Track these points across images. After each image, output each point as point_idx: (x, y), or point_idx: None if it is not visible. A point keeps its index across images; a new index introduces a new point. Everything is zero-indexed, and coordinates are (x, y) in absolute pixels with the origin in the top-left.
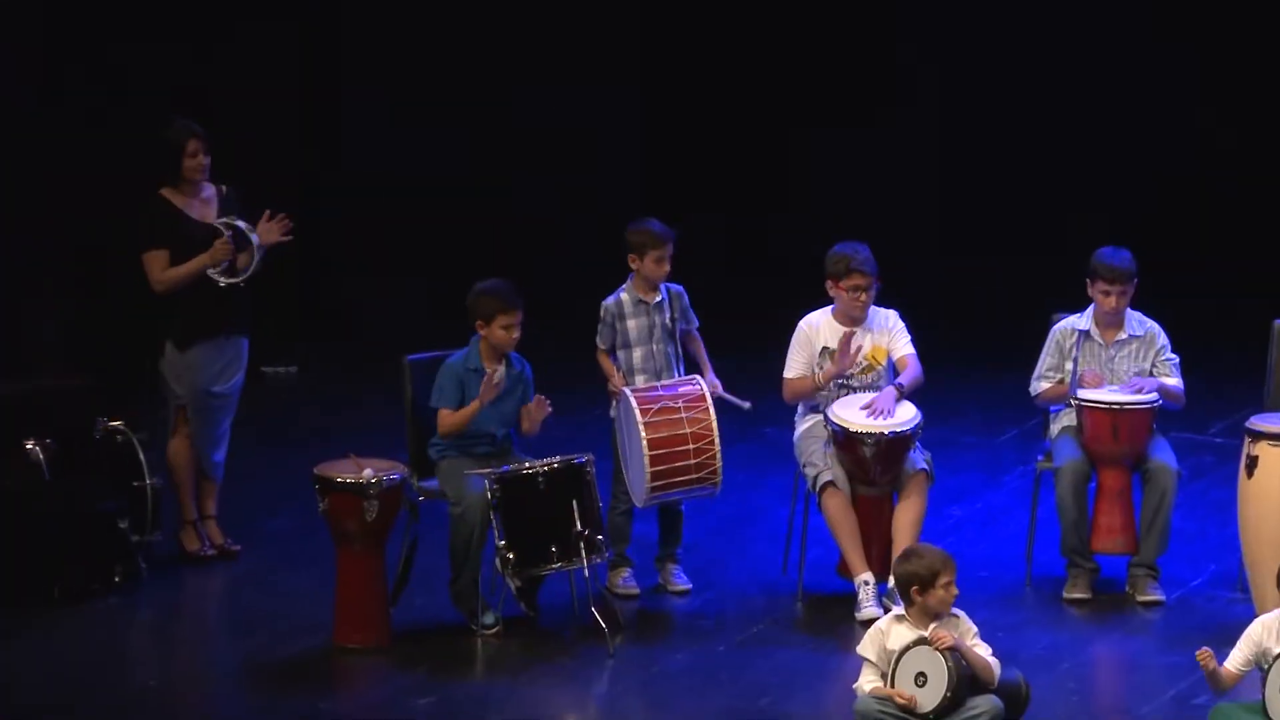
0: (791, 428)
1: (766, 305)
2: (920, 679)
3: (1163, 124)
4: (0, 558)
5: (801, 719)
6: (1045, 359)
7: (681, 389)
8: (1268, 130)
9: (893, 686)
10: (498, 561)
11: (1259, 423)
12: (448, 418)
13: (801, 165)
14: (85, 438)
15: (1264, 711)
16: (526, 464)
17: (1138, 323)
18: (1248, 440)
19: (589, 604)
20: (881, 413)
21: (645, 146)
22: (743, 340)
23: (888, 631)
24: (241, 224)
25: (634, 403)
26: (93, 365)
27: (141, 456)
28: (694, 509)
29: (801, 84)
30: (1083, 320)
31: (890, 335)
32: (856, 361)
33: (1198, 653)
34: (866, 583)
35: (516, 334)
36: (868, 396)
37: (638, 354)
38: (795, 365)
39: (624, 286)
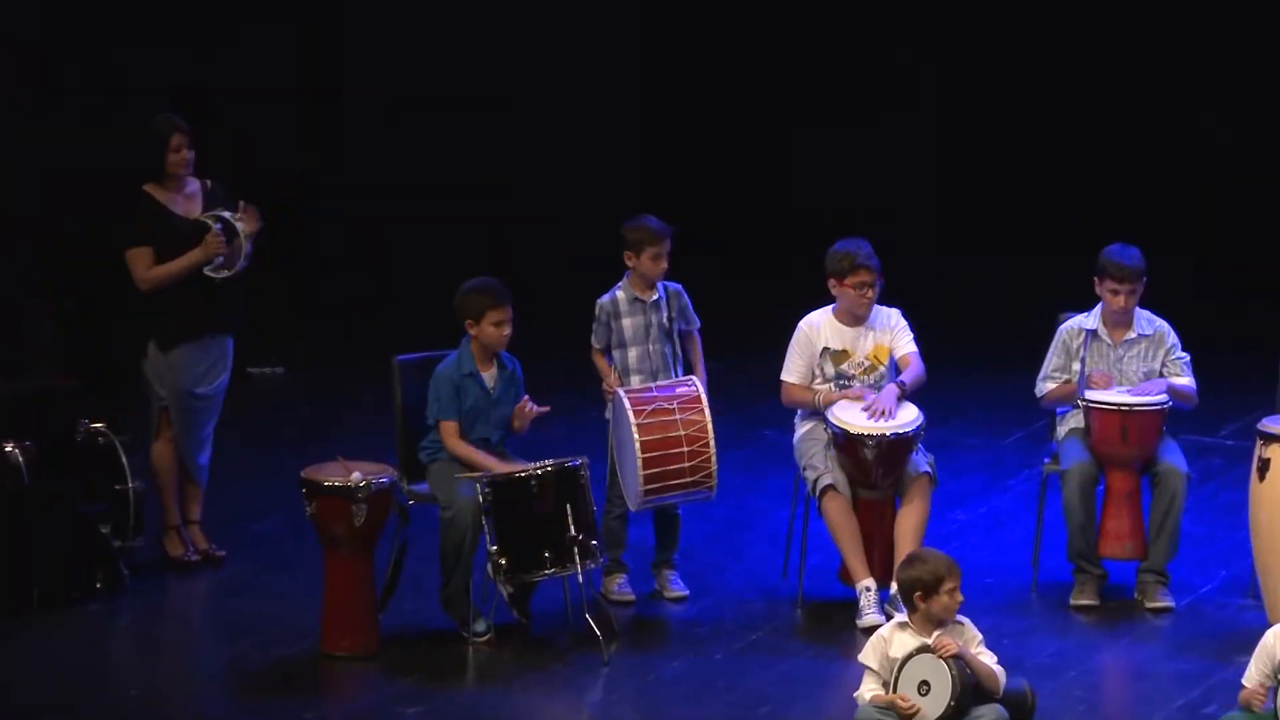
0: (791, 430)
1: (766, 305)
2: (924, 687)
3: (1163, 124)
4: None
5: None
6: (1051, 359)
7: (678, 390)
8: (1268, 130)
9: (895, 694)
10: (489, 567)
11: (1271, 425)
12: (460, 444)
13: (801, 165)
14: (66, 440)
15: None
16: (520, 467)
17: (1146, 321)
18: (1259, 443)
19: (583, 611)
20: (882, 412)
21: (645, 146)
22: (742, 340)
23: (890, 639)
24: (228, 215)
25: (627, 404)
26: (75, 366)
27: (124, 459)
28: (691, 513)
29: (801, 84)
30: (1090, 319)
31: (893, 334)
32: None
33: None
34: (868, 589)
35: (508, 331)
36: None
37: (633, 354)
38: (795, 368)
39: (620, 284)
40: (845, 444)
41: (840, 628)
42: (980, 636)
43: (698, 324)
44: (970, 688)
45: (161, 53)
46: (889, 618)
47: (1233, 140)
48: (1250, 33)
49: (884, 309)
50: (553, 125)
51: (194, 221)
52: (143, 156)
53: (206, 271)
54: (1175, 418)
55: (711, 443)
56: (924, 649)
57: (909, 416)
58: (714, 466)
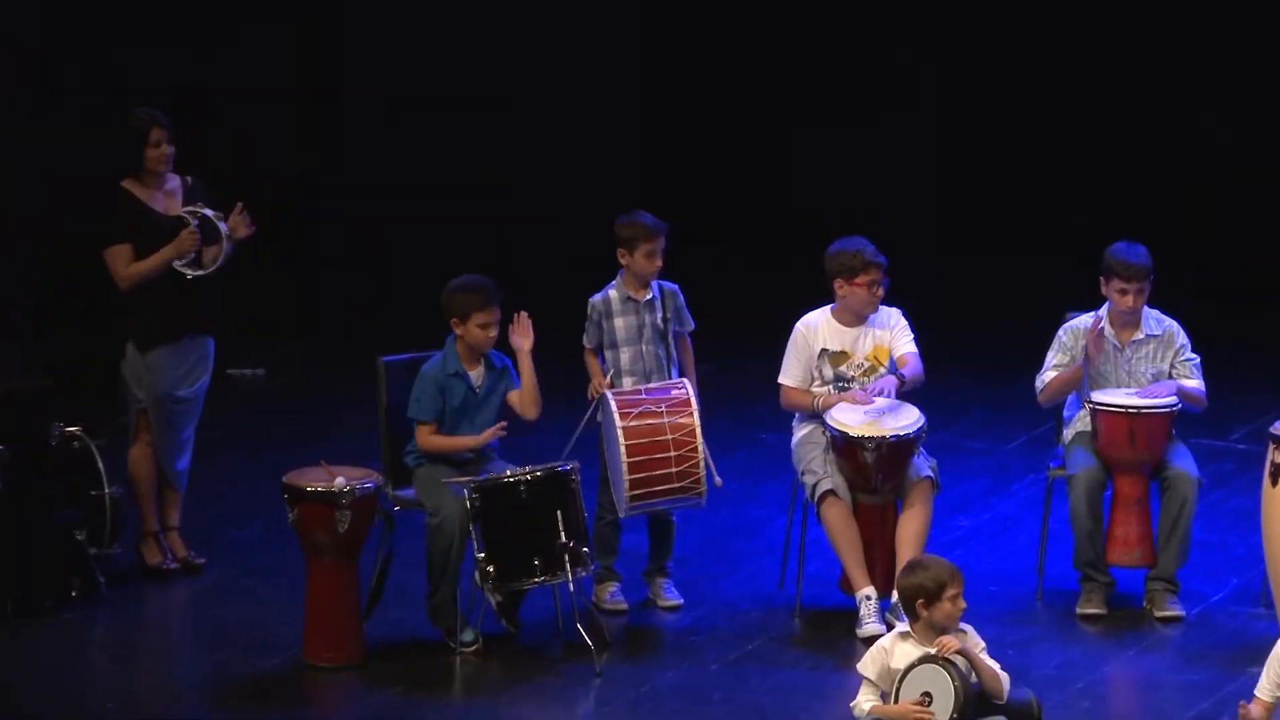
0: (788, 433)
1: (766, 305)
2: (925, 699)
3: (1163, 124)
4: None
5: None
6: (1054, 356)
7: (671, 392)
8: (1268, 130)
9: (896, 704)
10: (477, 575)
11: None
12: (431, 438)
13: (801, 165)
14: (41, 444)
15: None
16: (508, 472)
17: (1155, 321)
18: (1272, 447)
19: (574, 620)
20: (878, 392)
21: (645, 146)
22: (742, 340)
23: (891, 650)
24: (209, 212)
25: (613, 406)
26: (50, 368)
27: (100, 464)
28: (685, 519)
29: (801, 84)
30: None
31: (892, 334)
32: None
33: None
34: (869, 598)
35: (494, 333)
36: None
37: (626, 355)
38: (792, 371)
39: (613, 283)
40: (844, 447)
41: (839, 638)
42: (983, 644)
43: (692, 326)
44: (973, 698)
45: (161, 53)
46: (890, 627)
47: (1233, 140)
48: (1250, 33)
49: (884, 308)
50: (553, 125)
51: (174, 218)
52: (121, 152)
53: (177, 266)
54: (1185, 421)
55: (700, 447)
56: (925, 659)
57: (910, 418)
58: (703, 473)
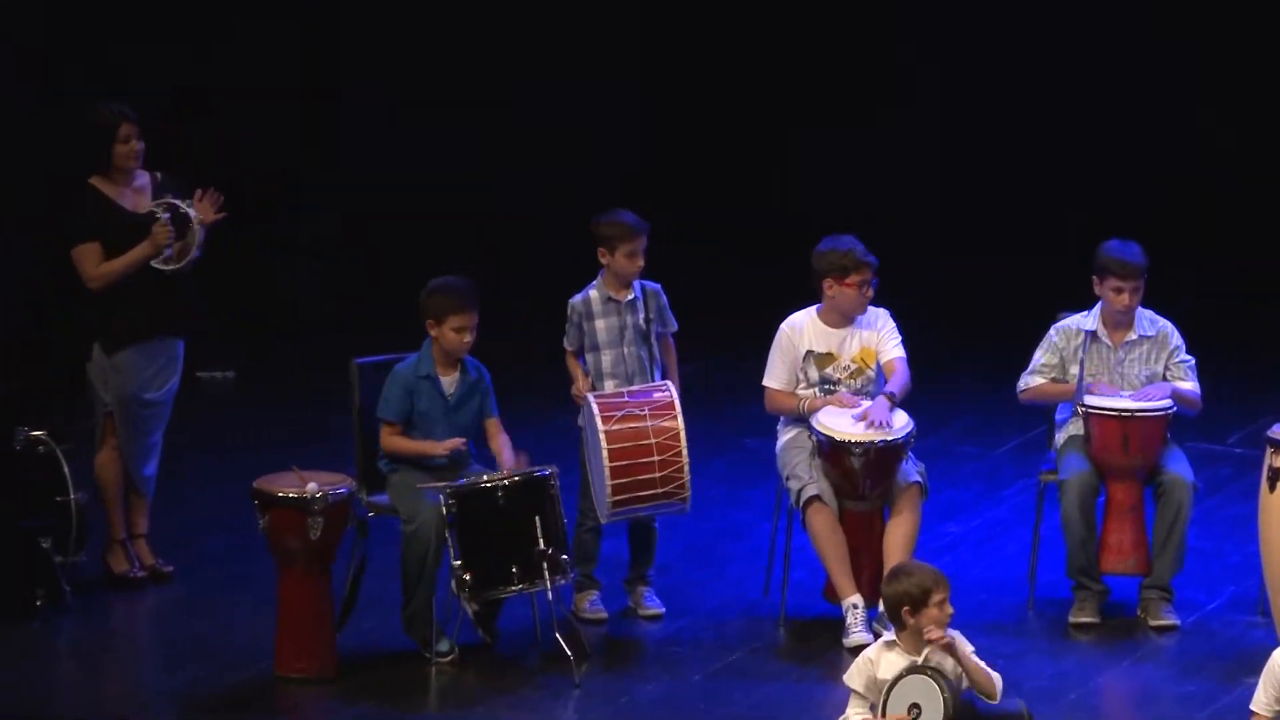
0: (773, 437)
1: (765, 305)
2: (914, 710)
3: (1163, 124)
4: None
5: None
6: (1042, 355)
7: (653, 395)
8: (1268, 130)
9: (884, 718)
10: (453, 583)
11: None
12: (391, 438)
13: (801, 165)
14: (4, 449)
15: None
16: (485, 477)
17: (1149, 322)
18: (1269, 451)
19: (553, 629)
20: (876, 424)
21: (645, 146)
22: (741, 340)
23: (877, 660)
24: (178, 202)
25: (596, 409)
26: (14, 370)
27: (65, 469)
28: (668, 526)
29: (801, 84)
30: (1089, 320)
31: (880, 336)
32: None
33: None
34: (855, 606)
35: (469, 339)
36: (855, 404)
37: (607, 357)
38: (777, 373)
39: (593, 283)
40: (831, 452)
41: (825, 648)
42: (972, 648)
43: (674, 327)
44: (965, 710)
45: (161, 53)
46: (877, 637)
47: (1233, 140)
48: (1250, 33)
49: (871, 308)
50: (553, 125)
51: (144, 215)
52: (88, 148)
53: (154, 264)
54: (1180, 425)
55: (684, 452)
56: (912, 670)
57: (899, 423)
58: (687, 477)
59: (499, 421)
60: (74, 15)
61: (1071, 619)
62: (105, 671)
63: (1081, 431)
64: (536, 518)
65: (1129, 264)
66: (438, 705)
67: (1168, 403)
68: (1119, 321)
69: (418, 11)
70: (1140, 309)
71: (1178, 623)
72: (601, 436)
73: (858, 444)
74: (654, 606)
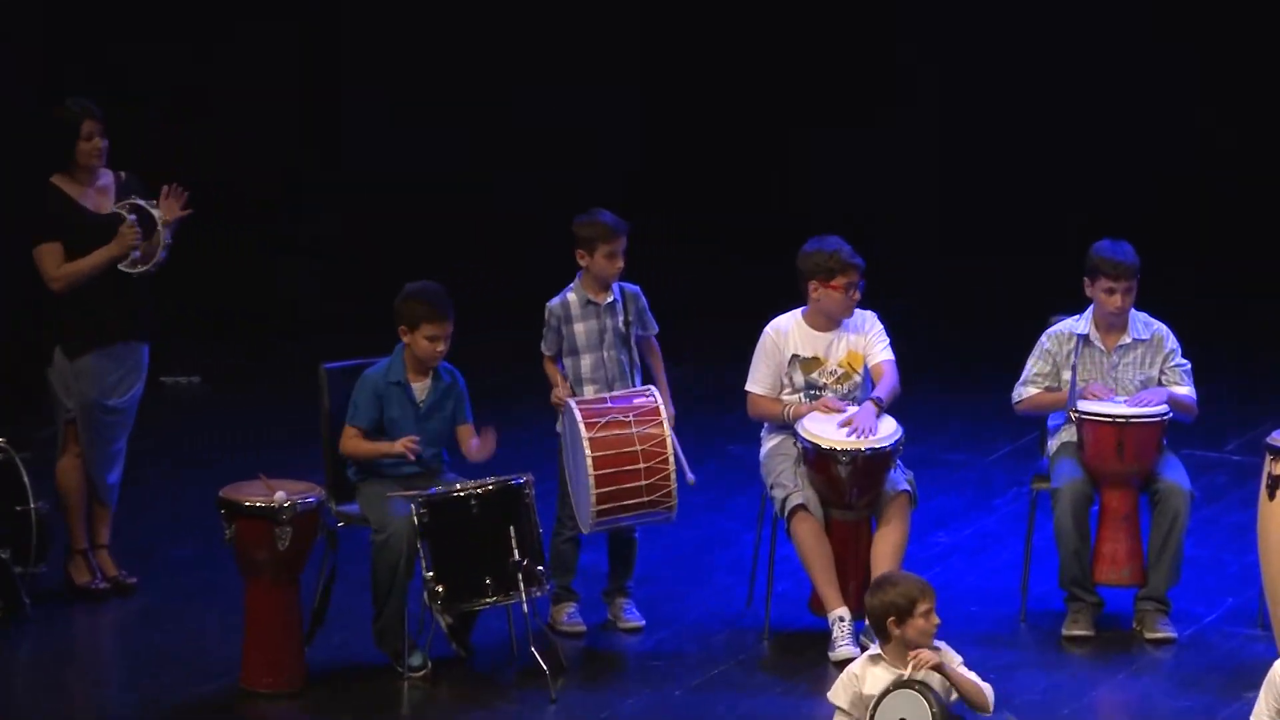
0: (757, 444)
1: (765, 305)
2: None
3: (1163, 124)
4: None
5: None
6: (1034, 363)
7: (634, 400)
8: (1268, 130)
9: None
10: (426, 595)
11: None
12: (352, 441)
13: (801, 165)
14: None
15: None
16: (458, 486)
17: (1143, 325)
18: (1269, 458)
19: (529, 643)
20: (862, 432)
21: (645, 146)
22: (739, 340)
23: (863, 675)
24: (142, 202)
25: (579, 415)
26: None
27: (25, 478)
28: (648, 536)
29: (801, 84)
30: (1081, 323)
31: (867, 340)
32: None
33: None
34: (842, 619)
35: (442, 348)
36: (843, 410)
37: (586, 361)
38: (761, 378)
39: (571, 286)
40: (816, 460)
41: (811, 662)
42: (960, 660)
43: (655, 329)
44: None
45: (161, 53)
46: (864, 650)
47: (1233, 140)
48: (1250, 33)
49: (859, 311)
50: (553, 125)
51: (107, 216)
52: (50, 145)
53: (122, 267)
54: (1177, 431)
55: (671, 459)
56: (900, 684)
57: (886, 430)
58: (674, 485)
59: (472, 427)
60: (74, 15)
61: (1065, 632)
62: (66, 686)
63: (1075, 438)
64: (511, 527)
65: (1120, 264)
66: None
67: (1163, 408)
68: (1112, 324)
69: (418, 11)
70: (1134, 311)
71: (1174, 635)
72: (585, 444)
73: (844, 451)
74: (634, 619)
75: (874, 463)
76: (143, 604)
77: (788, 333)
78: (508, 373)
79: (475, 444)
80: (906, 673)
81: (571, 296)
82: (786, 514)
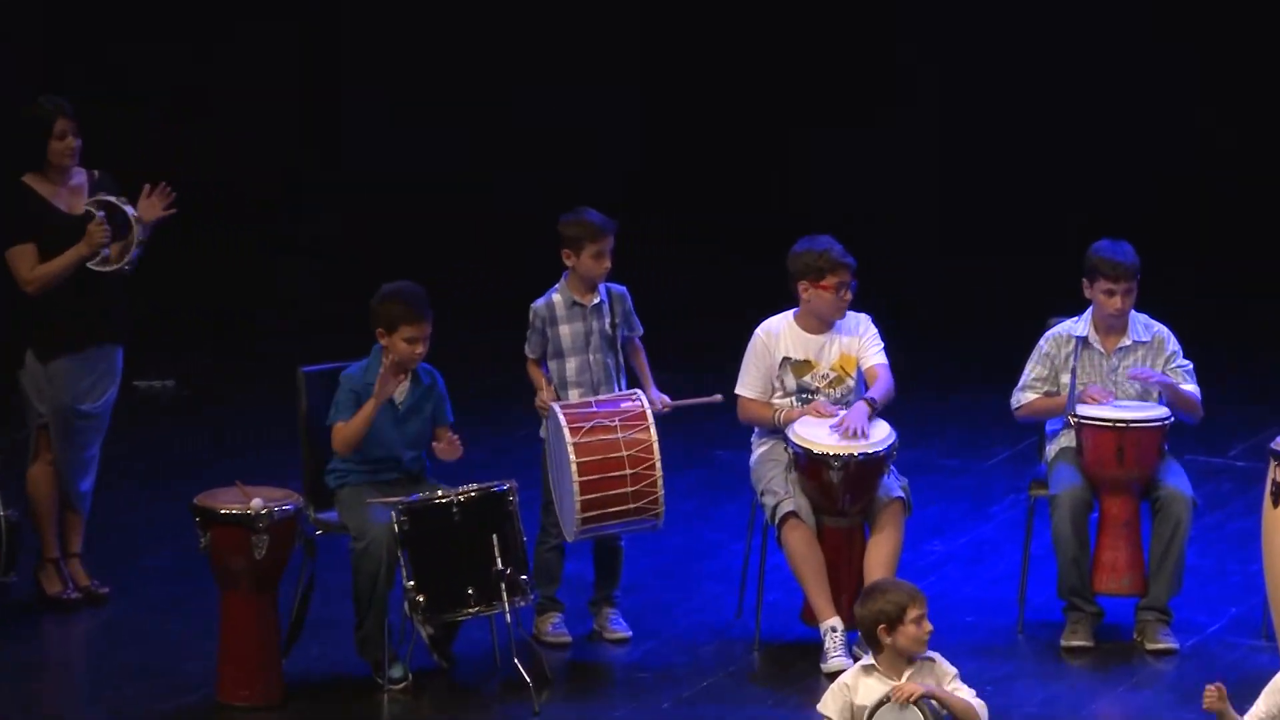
0: (747, 450)
1: (764, 305)
2: None
3: (1163, 124)
4: None
5: None
6: (1032, 368)
7: (621, 405)
8: (1268, 130)
9: None
10: (406, 605)
11: None
12: (342, 431)
13: (801, 165)
14: None
15: None
16: (440, 492)
17: (1143, 327)
18: (1273, 464)
19: (512, 654)
20: (853, 432)
21: (645, 146)
22: (739, 340)
23: (854, 686)
24: (113, 199)
25: (563, 420)
26: None
27: None
28: (635, 545)
29: (801, 84)
30: (1080, 325)
31: (861, 342)
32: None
33: (1206, 689)
34: (834, 629)
35: (421, 349)
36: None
37: (572, 364)
38: (751, 382)
39: (556, 287)
40: (808, 466)
41: (802, 674)
42: (955, 672)
43: (640, 330)
44: None
45: (161, 53)
46: (857, 661)
47: (1233, 140)
48: (1250, 33)
49: (853, 313)
50: (553, 125)
51: (79, 216)
52: (21, 144)
53: (92, 266)
54: (1179, 436)
55: (658, 465)
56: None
57: (880, 435)
58: (660, 492)
59: (451, 428)
60: (74, 15)
61: (1063, 642)
62: (36, 698)
63: (1074, 443)
64: (494, 536)
65: (1120, 264)
66: None
67: (1165, 412)
68: (1111, 326)
69: (418, 11)
70: (1134, 313)
71: (1176, 646)
72: (570, 450)
73: (836, 457)
74: (620, 630)
75: (867, 468)
76: (115, 615)
77: (779, 335)
78: (508, 373)
79: (440, 446)
80: (901, 682)
81: (557, 297)
82: (777, 521)
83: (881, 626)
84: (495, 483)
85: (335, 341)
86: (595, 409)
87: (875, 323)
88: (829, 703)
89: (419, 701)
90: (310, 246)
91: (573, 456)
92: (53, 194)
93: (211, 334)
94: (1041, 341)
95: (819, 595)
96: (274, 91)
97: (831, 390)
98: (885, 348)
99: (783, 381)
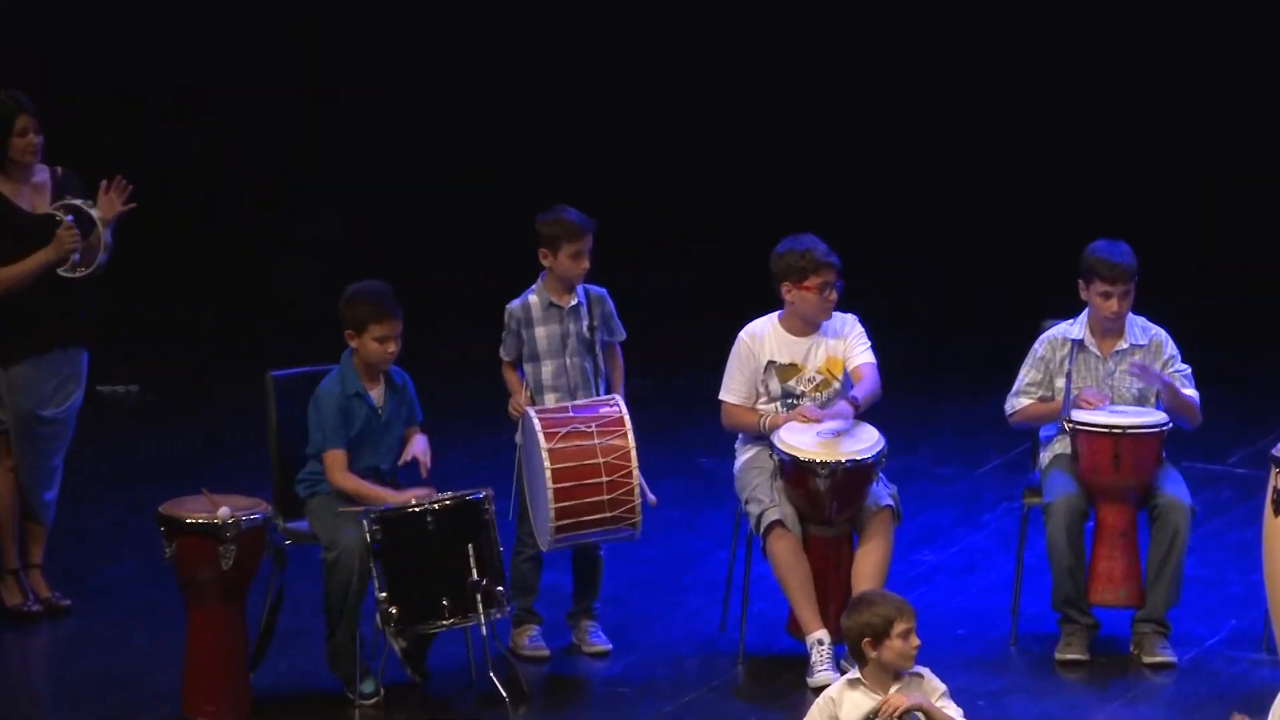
0: (731, 456)
1: (764, 306)
2: None
3: (1163, 124)
4: None
5: None
6: (1027, 372)
7: (600, 410)
8: (1268, 130)
9: None
10: (378, 617)
11: None
12: (349, 478)
13: (801, 165)
14: None
15: None
16: (413, 501)
17: (1140, 330)
18: (1274, 471)
19: (488, 668)
20: (836, 431)
21: (645, 146)
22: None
23: (840, 700)
24: (78, 201)
25: (538, 425)
26: None
27: None
28: (615, 555)
29: (801, 84)
30: (1075, 328)
31: (848, 344)
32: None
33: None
34: (821, 642)
35: (393, 349)
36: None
37: (548, 368)
38: (735, 387)
39: (533, 287)
40: (794, 473)
41: (788, 688)
42: (944, 689)
43: (622, 335)
44: None
45: (161, 53)
46: (844, 675)
47: (1233, 140)
48: (1250, 33)
49: (839, 314)
50: (553, 125)
51: (42, 216)
52: None
53: (61, 272)
54: (1176, 442)
55: (636, 472)
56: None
57: (869, 441)
58: (638, 501)
59: (420, 427)
60: (74, 15)
61: (1058, 655)
62: None
63: (1069, 450)
64: (469, 545)
65: (1117, 265)
66: None
67: (1162, 418)
68: (1108, 329)
69: (418, 11)
70: (1131, 315)
71: (1174, 660)
72: (544, 455)
73: (823, 464)
74: (600, 643)
75: (855, 476)
76: (77, 627)
77: (763, 338)
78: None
79: (412, 447)
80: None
81: (533, 298)
82: (762, 530)
83: (867, 640)
84: (471, 491)
85: (335, 341)
86: (572, 414)
87: (863, 322)
88: (814, 717)
89: (391, 717)
90: (310, 246)
91: (546, 463)
92: (14, 192)
93: (176, 337)
94: (1036, 345)
95: (805, 607)
96: (274, 91)
97: (817, 394)
98: (875, 347)
99: (767, 386)
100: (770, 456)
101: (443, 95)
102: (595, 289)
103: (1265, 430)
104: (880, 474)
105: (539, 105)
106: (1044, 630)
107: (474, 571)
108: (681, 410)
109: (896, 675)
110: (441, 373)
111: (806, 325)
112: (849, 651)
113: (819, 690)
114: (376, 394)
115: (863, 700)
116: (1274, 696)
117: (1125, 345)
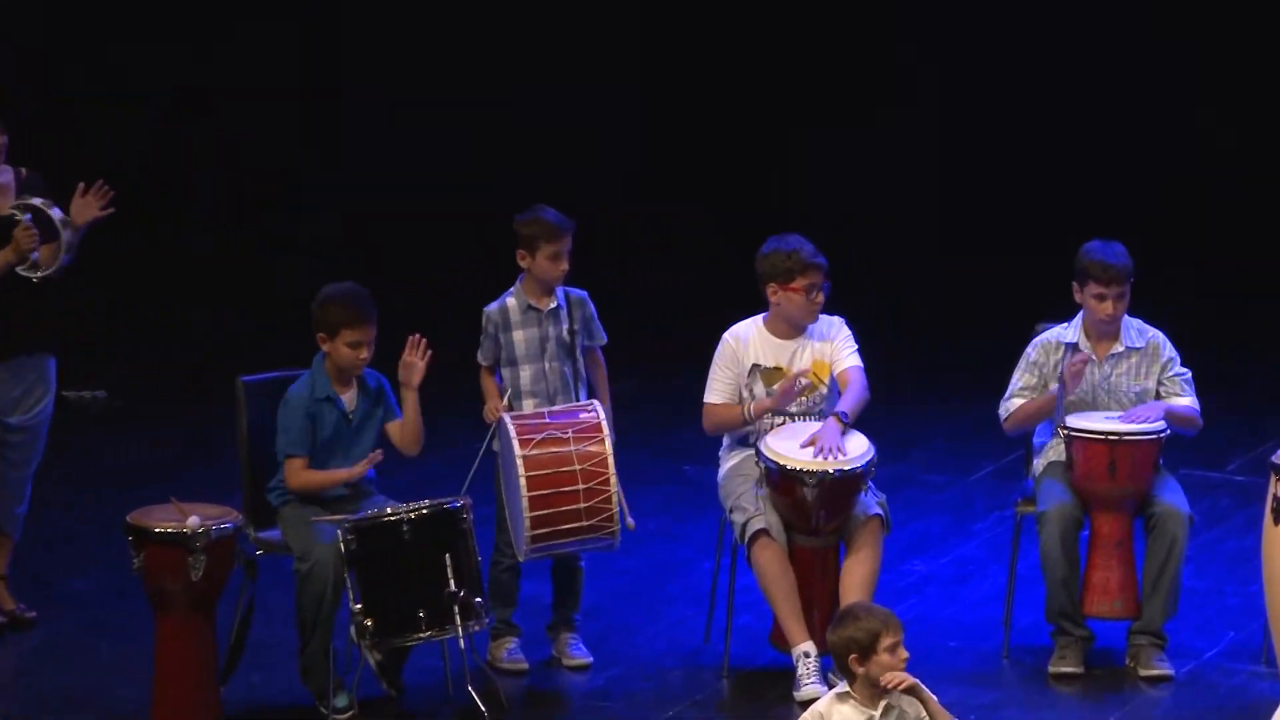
0: (715, 464)
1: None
2: None
3: (1163, 124)
4: None
5: None
6: (1020, 377)
7: (579, 416)
8: (1268, 130)
9: None
10: (353, 630)
11: None
12: (303, 474)
13: (801, 165)
14: None
15: None
16: (388, 509)
17: (1137, 332)
18: (1274, 479)
19: (465, 682)
20: (828, 451)
21: (645, 146)
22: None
23: (828, 714)
24: (38, 201)
25: (513, 431)
26: None
27: None
28: (596, 565)
29: (801, 84)
30: (1070, 331)
31: (834, 347)
32: (798, 399)
33: None
34: (807, 655)
35: (365, 355)
36: (809, 427)
37: (526, 373)
38: (719, 388)
39: (511, 290)
40: (780, 481)
41: (774, 701)
42: (934, 699)
43: (604, 339)
44: None
45: (161, 53)
46: (832, 689)
47: (1233, 140)
48: (1250, 33)
49: (825, 316)
50: (553, 125)
51: (4, 217)
52: None
53: (21, 271)
54: (1174, 449)
55: (613, 479)
56: None
57: (858, 449)
58: (615, 509)
59: (400, 422)
60: (74, 15)
61: (1051, 668)
62: None
63: (1063, 457)
64: (446, 556)
65: (1111, 267)
66: None
67: (1160, 424)
68: (1103, 332)
69: (418, 11)
70: (1128, 318)
71: (1171, 672)
72: (519, 462)
73: (811, 473)
74: (580, 655)
75: (843, 485)
76: (42, 639)
77: (747, 341)
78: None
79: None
80: (877, 712)
81: (511, 301)
82: (747, 540)
83: (853, 656)
84: (448, 499)
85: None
86: (548, 420)
87: (850, 324)
88: None
89: None
90: (310, 246)
91: (521, 470)
92: None
93: (143, 341)
94: (1029, 349)
95: (790, 618)
96: (274, 91)
97: (804, 398)
98: (875, 347)
99: (752, 390)
100: (756, 463)
101: (443, 95)
102: (576, 291)
103: (1264, 437)
104: (869, 483)
105: (539, 105)
106: (1037, 642)
107: (451, 582)
108: (680, 410)
109: (884, 690)
110: (441, 373)
111: (792, 328)
112: (836, 666)
113: (806, 704)
114: (348, 398)
115: (852, 714)
116: (1273, 710)
117: (1121, 348)
